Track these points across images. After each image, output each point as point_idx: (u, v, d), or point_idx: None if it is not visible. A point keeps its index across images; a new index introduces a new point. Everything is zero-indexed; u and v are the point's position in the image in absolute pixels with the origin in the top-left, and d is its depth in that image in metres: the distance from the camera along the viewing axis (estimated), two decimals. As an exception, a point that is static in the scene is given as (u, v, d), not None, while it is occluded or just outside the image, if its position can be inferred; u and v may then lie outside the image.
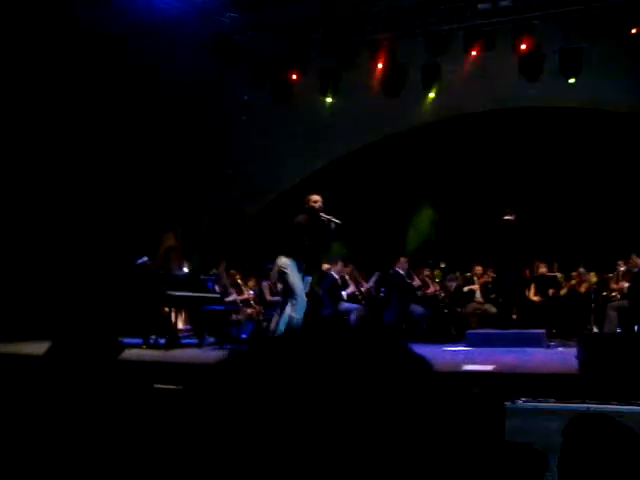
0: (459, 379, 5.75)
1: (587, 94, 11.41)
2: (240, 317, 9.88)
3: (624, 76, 11.05)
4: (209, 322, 9.46)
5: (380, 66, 11.83)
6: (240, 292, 10.68)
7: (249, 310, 10.43)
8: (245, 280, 11.06)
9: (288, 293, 7.11)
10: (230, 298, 10.26)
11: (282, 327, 6.99)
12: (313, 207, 7.18)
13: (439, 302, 10.47)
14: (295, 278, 7.02)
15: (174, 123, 11.72)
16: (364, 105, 12.11)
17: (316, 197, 7.30)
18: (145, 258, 9.16)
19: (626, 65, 11.00)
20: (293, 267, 7.06)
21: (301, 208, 7.25)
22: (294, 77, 12.19)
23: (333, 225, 7.12)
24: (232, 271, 10.80)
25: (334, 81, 12.05)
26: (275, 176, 13.02)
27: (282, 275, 7.16)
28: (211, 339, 9.42)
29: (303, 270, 7.13)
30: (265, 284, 10.90)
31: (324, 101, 12.34)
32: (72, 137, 10.83)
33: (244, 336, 9.64)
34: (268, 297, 10.78)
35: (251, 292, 10.73)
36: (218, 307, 9.49)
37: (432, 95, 12.05)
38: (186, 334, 9.89)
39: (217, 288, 10.06)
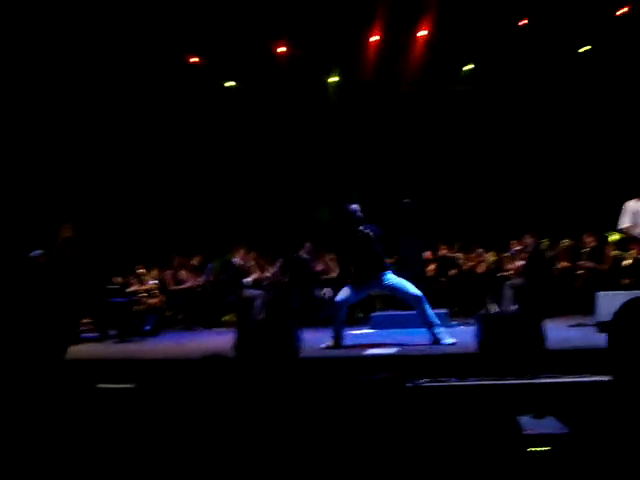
0: (363, 364, 5.83)
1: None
2: (141, 308, 9.62)
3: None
4: (110, 315, 9.16)
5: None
6: (141, 282, 10.41)
7: (152, 300, 10.18)
8: (148, 270, 10.78)
9: None
10: (131, 289, 9.99)
11: None
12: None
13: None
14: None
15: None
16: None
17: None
18: (39, 251, 8.76)
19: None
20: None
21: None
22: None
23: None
24: (133, 262, 10.49)
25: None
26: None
27: None
28: (112, 332, 9.12)
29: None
30: (168, 273, 10.69)
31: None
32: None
33: (147, 328, 9.40)
34: (171, 286, 10.58)
35: (152, 282, 10.45)
36: (119, 299, 9.21)
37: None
38: (86, 328, 9.53)
39: (117, 279, 9.77)
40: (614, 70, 11.13)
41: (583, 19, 10.93)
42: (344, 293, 6.88)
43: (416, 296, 6.75)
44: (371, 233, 6.75)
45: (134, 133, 12.13)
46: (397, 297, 7.10)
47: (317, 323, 9.56)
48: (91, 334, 9.25)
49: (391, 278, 6.84)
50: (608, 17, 10.97)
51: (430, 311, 6.77)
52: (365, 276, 6.83)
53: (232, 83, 12.34)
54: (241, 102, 12.23)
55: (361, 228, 6.76)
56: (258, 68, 12.00)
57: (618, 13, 10.97)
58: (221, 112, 12.27)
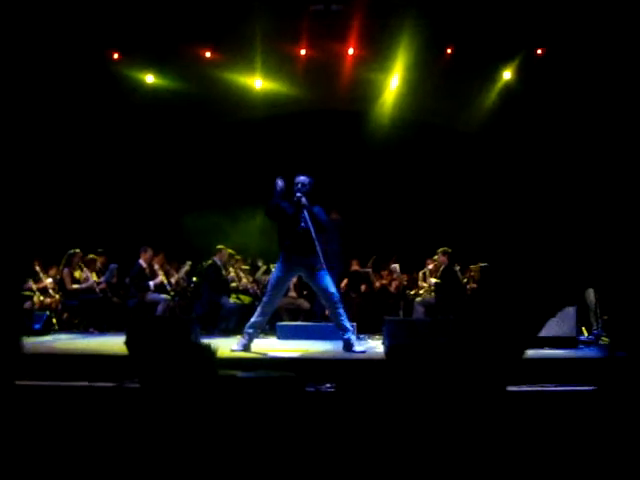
0: (267, 365, 5.53)
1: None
2: (34, 307, 8.99)
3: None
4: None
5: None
6: (38, 280, 9.78)
7: (48, 299, 9.57)
8: (46, 268, 10.13)
9: None
10: (25, 285, 9.35)
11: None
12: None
13: (252, 295, 10.20)
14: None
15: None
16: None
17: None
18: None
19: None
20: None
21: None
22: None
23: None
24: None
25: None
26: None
27: None
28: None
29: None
30: (66, 272, 10.05)
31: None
32: None
33: (37, 326, 8.76)
34: (69, 286, 9.94)
35: (49, 280, 9.83)
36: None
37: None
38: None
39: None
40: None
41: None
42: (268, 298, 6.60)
43: (336, 296, 6.48)
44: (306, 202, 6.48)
45: (49, 125, 11.47)
46: (316, 289, 6.65)
47: (222, 332, 9.21)
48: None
49: (324, 269, 6.47)
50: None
51: (345, 315, 6.49)
52: (299, 249, 6.46)
53: (151, 79, 11.79)
54: (157, 101, 11.73)
55: (298, 195, 6.50)
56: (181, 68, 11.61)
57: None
58: (136, 108, 11.72)
